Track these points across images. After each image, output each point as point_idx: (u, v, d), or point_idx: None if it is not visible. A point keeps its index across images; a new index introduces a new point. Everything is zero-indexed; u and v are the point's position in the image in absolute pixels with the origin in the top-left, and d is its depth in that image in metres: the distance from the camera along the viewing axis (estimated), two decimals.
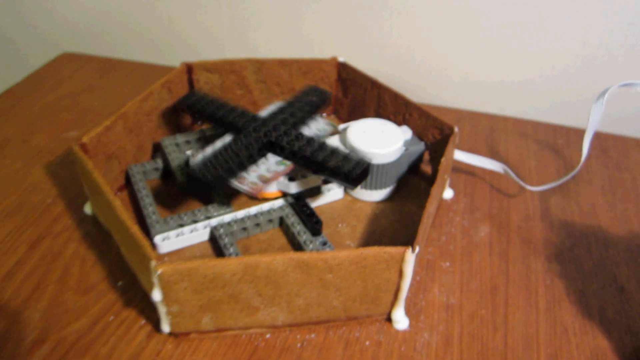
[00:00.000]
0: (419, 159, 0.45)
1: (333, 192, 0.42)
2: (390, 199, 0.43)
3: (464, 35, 0.55)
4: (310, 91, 0.42)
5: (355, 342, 0.33)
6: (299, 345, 0.32)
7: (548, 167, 0.48)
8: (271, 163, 0.38)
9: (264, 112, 0.42)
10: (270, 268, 0.29)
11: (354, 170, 0.35)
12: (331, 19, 0.58)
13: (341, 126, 0.44)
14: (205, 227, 0.38)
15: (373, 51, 0.59)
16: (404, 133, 0.43)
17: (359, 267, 0.30)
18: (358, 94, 0.49)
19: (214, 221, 0.39)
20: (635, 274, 0.38)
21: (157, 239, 0.37)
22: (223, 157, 0.37)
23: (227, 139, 0.40)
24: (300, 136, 0.38)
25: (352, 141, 0.41)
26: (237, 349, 0.32)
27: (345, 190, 0.43)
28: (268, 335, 0.33)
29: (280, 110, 0.41)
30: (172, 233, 0.38)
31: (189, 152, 0.42)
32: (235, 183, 0.36)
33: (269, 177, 0.37)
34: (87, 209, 0.41)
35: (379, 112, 0.48)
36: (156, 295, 0.30)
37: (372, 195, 0.42)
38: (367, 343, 0.33)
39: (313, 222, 0.38)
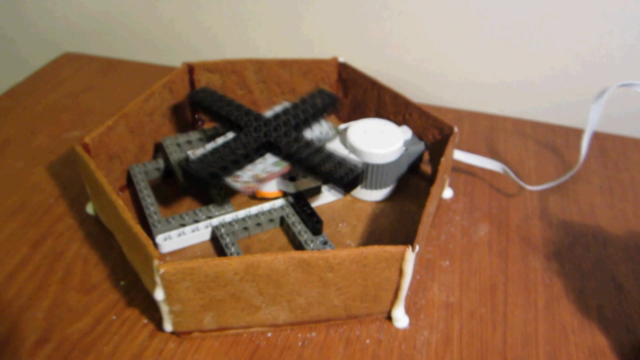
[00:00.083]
0: (419, 158, 0.45)
1: (333, 192, 0.43)
2: (390, 198, 0.43)
3: (464, 36, 0.55)
4: (318, 94, 0.42)
5: (355, 340, 0.33)
6: (300, 343, 0.33)
7: (547, 167, 0.48)
8: (268, 163, 0.38)
9: (269, 113, 0.42)
10: (271, 267, 0.30)
11: (346, 176, 0.35)
12: (331, 19, 0.58)
13: (341, 126, 0.44)
14: (206, 227, 0.38)
15: (373, 52, 0.59)
16: (404, 133, 0.44)
17: (360, 266, 0.31)
18: (358, 94, 0.50)
19: (215, 221, 0.39)
20: (634, 272, 0.38)
21: (159, 238, 0.37)
22: (220, 155, 0.37)
23: (229, 136, 0.40)
24: (299, 138, 0.38)
25: (353, 141, 0.41)
26: (239, 348, 0.32)
27: None
28: (269, 334, 0.33)
29: (285, 111, 0.41)
30: (174, 233, 0.38)
31: (190, 152, 0.43)
32: (229, 181, 0.37)
33: (263, 177, 0.37)
34: (89, 209, 0.42)
35: (379, 112, 0.48)
36: (159, 294, 0.30)
37: (372, 194, 0.43)
38: (368, 341, 0.33)
39: (314, 222, 0.38)
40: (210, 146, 0.39)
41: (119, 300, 0.35)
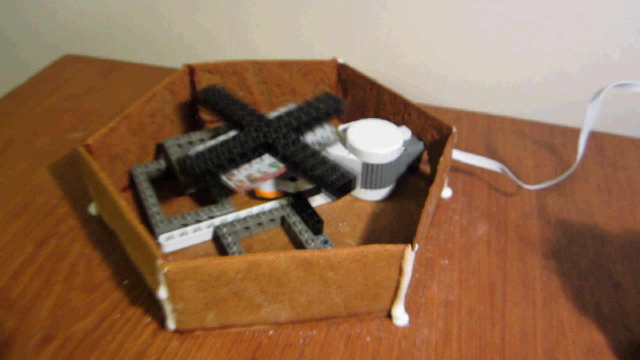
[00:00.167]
0: (418, 158, 0.45)
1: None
2: (389, 198, 0.44)
3: (462, 37, 0.55)
4: (324, 98, 0.43)
5: (356, 338, 0.33)
6: (301, 341, 0.33)
7: (545, 166, 0.49)
8: (264, 164, 0.39)
9: (274, 114, 0.43)
10: (273, 266, 0.30)
11: (337, 181, 0.36)
12: (331, 20, 0.59)
13: (341, 127, 0.45)
14: (208, 227, 0.39)
15: (372, 52, 0.60)
16: (403, 133, 0.44)
17: (360, 264, 0.31)
18: (358, 95, 0.50)
19: (217, 221, 0.39)
20: (631, 270, 0.38)
21: (162, 238, 0.38)
22: (217, 152, 0.37)
23: (230, 135, 0.41)
24: (296, 141, 0.38)
25: (352, 141, 0.41)
26: (241, 346, 0.33)
27: None
28: (271, 332, 0.34)
29: (288, 113, 0.41)
30: (176, 232, 0.38)
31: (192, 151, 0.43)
32: (224, 178, 0.37)
33: (257, 177, 0.38)
34: (92, 209, 0.42)
35: (379, 113, 0.48)
36: (162, 293, 0.30)
37: (372, 194, 0.43)
38: (368, 339, 0.33)
39: (314, 221, 0.39)
40: (210, 143, 0.39)
41: (122, 299, 0.35)
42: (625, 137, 0.53)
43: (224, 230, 0.38)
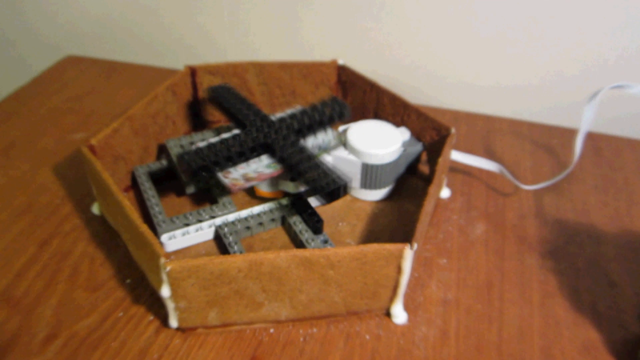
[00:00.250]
0: (417, 159, 0.46)
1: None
2: (389, 198, 0.44)
3: (461, 39, 0.56)
4: (329, 102, 0.43)
5: (355, 336, 0.34)
6: (301, 339, 0.34)
7: (543, 166, 0.49)
8: (262, 164, 0.39)
9: (279, 115, 0.43)
10: (274, 265, 0.31)
11: (327, 186, 0.36)
12: (331, 22, 0.59)
13: (341, 127, 0.45)
14: (210, 226, 0.39)
15: (372, 54, 0.60)
16: (402, 134, 0.45)
17: (359, 263, 0.32)
18: (357, 96, 0.51)
19: (218, 220, 0.40)
20: (626, 269, 0.39)
21: (164, 237, 0.38)
22: (216, 149, 0.38)
23: (232, 133, 0.41)
24: (295, 143, 0.39)
25: (352, 142, 0.42)
26: (242, 343, 0.33)
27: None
28: (272, 330, 0.34)
29: (291, 115, 0.42)
30: (178, 232, 0.39)
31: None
32: (220, 176, 0.38)
33: (253, 177, 0.38)
34: (95, 209, 0.43)
35: (378, 114, 0.49)
36: (165, 291, 0.31)
37: (371, 194, 0.44)
38: (367, 337, 0.34)
39: (314, 221, 0.39)
40: (211, 140, 0.40)
41: (125, 298, 0.36)
42: (622, 138, 0.54)
43: (226, 229, 0.39)
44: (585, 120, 0.41)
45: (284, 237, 0.40)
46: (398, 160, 0.43)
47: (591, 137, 0.54)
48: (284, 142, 0.39)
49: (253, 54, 0.65)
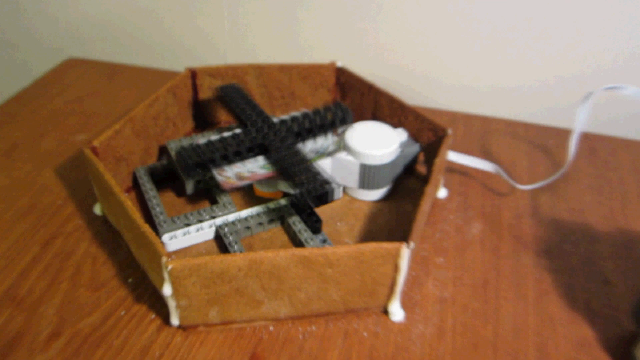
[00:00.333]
0: (414, 160, 0.46)
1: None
2: (386, 198, 0.45)
3: (458, 42, 0.57)
4: (333, 107, 0.43)
5: (353, 333, 0.34)
6: (300, 336, 0.34)
7: (539, 167, 0.50)
8: (257, 165, 0.40)
9: (283, 117, 0.43)
10: (273, 263, 0.31)
11: (313, 190, 0.36)
12: (329, 24, 0.60)
13: (340, 128, 0.46)
14: (210, 226, 0.40)
15: (370, 56, 0.61)
16: (400, 135, 0.45)
17: (357, 262, 0.32)
18: (356, 98, 0.51)
19: (218, 220, 0.40)
20: (620, 268, 0.40)
21: (165, 237, 0.39)
22: (213, 147, 0.39)
23: (234, 132, 0.42)
24: (290, 146, 0.39)
25: (350, 143, 0.42)
26: (243, 341, 0.34)
27: (344, 190, 0.45)
28: (271, 328, 0.35)
29: (293, 118, 0.42)
30: (179, 232, 0.39)
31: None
32: (214, 173, 0.39)
33: (246, 177, 0.39)
34: (97, 209, 0.43)
35: (376, 115, 0.49)
36: (167, 289, 0.31)
37: (369, 194, 0.44)
38: (365, 334, 0.34)
39: (313, 221, 0.40)
40: (212, 138, 0.41)
41: (127, 297, 0.37)
42: (617, 138, 0.54)
43: (226, 229, 0.40)
44: (579, 121, 0.41)
45: (283, 237, 0.41)
46: (395, 161, 0.43)
47: (587, 137, 0.54)
48: (280, 144, 0.39)
49: (252, 57, 0.65)
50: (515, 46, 0.55)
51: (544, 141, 0.54)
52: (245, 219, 0.41)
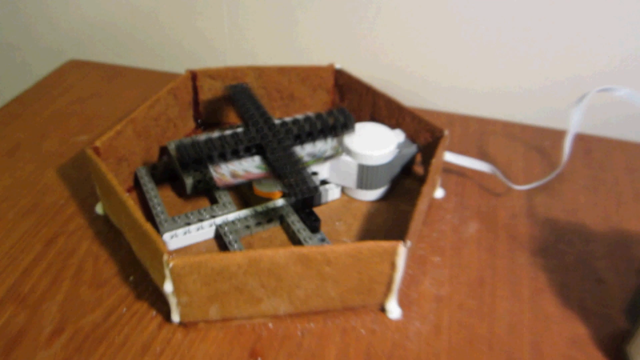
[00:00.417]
0: (412, 160, 0.47)
1: (331, 192, 0.45)
2: (384, 198, 0.46)
3: (456, 45, 0.57)
4: (336, 112, 0.43)
5: (351, 330, 0.35)
6: (299, 333, 0.35)
7: (534, 167, 0.51)
8: (252, 164, 0.40)
9: (286, 119, 0.44)
10: (273, 261, 0.32)
11: (300, 193, 0.37)
12: (328, 27, 0.61)
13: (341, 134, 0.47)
14: (210, 226, 0.41)
15: (368, 59, 0.61)
16: (397, 136, 0.46)
17: (355, 260, 0.33)
18: (354, 99, 0.52)
19: (218, 220, 0.41)
20: (614, 267, 0.40)
21: (166, 236, 0.40)
22: (212, 144, 0.39)
23: (234, 131, 0.43)
24: (286, 148, 0.40)
25: (348, 144, 0.43)
26: (242, 337, 0.34)
27: (342, 190, 0.46)
28: (270, 325, 0.35)
29: (294, 121, 0.42)
30: (180, 231, 0.40)
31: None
32: (211, 168, 0.39)
33: (240, 175, 0.39)
34: (99, 209, 0.44)
35: (374, 116, 0.50)
36: (168, 287, 0.32)
37: (367, 194, 0.45)
38: (363, 331, 0.35)
39: (312, 220, 0.40)
40: (212, 135, 0.41)
41: (128, 294, 0.37)
42: (612, 140, 0.55)
43: (226, 228, 0.40)
44: (574, 122, 0.42)
45: (282, 236, 0.42)
46: (393, 161, 0.44)
47: (582, 138, 0.55)
48: (278, 145, 0.40)
49: (252, 59, 0.66)
50: (512, 49, 0.56)
51: (539, 142, 0.54)
52: (245, 218, 0.41)
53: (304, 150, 0.42)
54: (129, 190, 0.45)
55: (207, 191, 0.46)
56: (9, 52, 0.77)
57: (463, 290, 0.38)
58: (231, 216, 0.41)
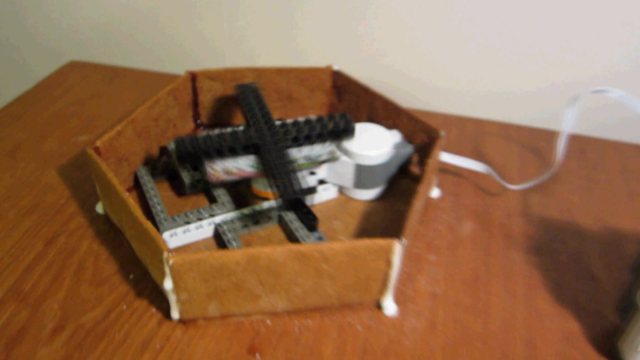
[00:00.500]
0: (408, 160, 0.48)
1: (328, 192, 0.46)
2: (381, 198, 0.46)
3: (453, 47, 0.58)
4: (338, 117, 0.43)
5: (348, 327, 0.36)
6: (297, 330, 0.35)
7: (529, 168, 0.51)
8: (246, 162, 0.41)
9: (288, 120, 0.44)
10: (271, 258, 0.32)
11: (285, 195, 0.37)
12: (326, 29, 0.61)
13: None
14: (209, 224, 0.41)
15: (366, 60, 0.62)
16: (394, 136, 0.47)
17: (351, 257, 0.33)
18: (352, 100, 0.53)
19: (217, 219, 0.42)
20: (607, 265, 0.41)
21: (166, 235, 0.40)
22: (210, 141, 0.40)
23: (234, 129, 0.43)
24: (281, 149, 0.40)
25: (346, 144, 0.44)
26: (241, 334, 0.35)
27: (339, 190, 0.47)
28: (268, 321, 0.36)
29: (294, 123, 0.43)
30: (179, 230, 0.41)
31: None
32: (206, 164, 0.40)
33: (233, 172, 0.40)
34: (99, 208, 0.44)
35: (371, 117, 0.51)
36: (167, 284, 0.33)
37: (364, 194, 0.46)
38: (359, 328, 0.36)
39: (310, 219, 0.41)
40: (212, 133, 0.42)
41: (128, 292, 0.38)
42: (606, 140, 0.56)
43: (225, 227, 0.41)
44: (567, 122, 0.43)
45: (280, 235, 0.42)
46: (389, 161, 0.45)
47: (577, 139, 0.56)
48: (274, 146, 0.41)
49: (251, 60, 0.67)
50: (508, 51, 0.57)
51: (535, 143, 0.55)
52: (244, 217, 0.42)
53: (300, 153, 0.42)
54: (129, 190, 0.46)
55: (206, 191, 0.46)
56: (10, 54, 0.78)
57: (458, 288, 0.39)
58: (230, 215, 0.42)
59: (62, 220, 0.44)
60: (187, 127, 0.52)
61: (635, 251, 0.42)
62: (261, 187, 0.44)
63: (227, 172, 0.40)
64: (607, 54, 0.54)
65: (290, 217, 0.42)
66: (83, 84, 0.64)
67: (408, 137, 0.47)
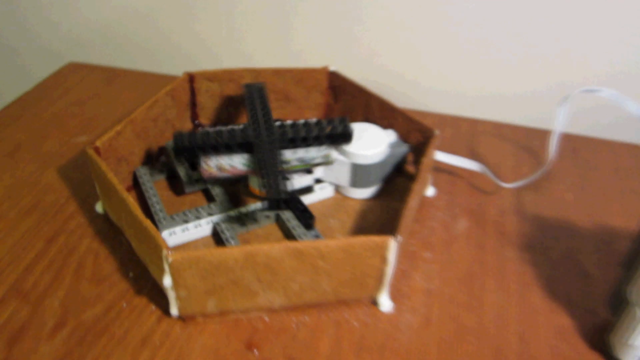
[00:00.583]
0: (404, 160, 0.48)
1: (324, 191, 0.46)
2: (377, 196, 0.47)
3: (448, 48, 0.59)
4: (336, 121, 0.43)
5: (344, 323, 0.36)
6: (294, 326, 0.36)
7: (523, 166, 0.52)
8: (240, 160, 0.41)
9: (288, 122, 0.45)
10: (268, 255, 0.33)
11: (269, 194, 0.38)
12: (322, 30, 0.62)
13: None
14: (208, 223, 0.42)
15: (362, 61, 0.63)
16: (389, 136, 0.47)
17: (347, 254, 0.34)
18: (347, 101, 0.53)
19: (215, 217, 0.42)
20: (599, 261, 0.42)
21: (165, 234, 0.41)
22: (207, 137, 0.40)
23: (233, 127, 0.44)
24: (274, 149, 0.41)
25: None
26: (239, 330, 0.36)
27: (336, 188, 0.47)
28: (266, 318, 0.36)
29: (292, 125, 0.43)
30: (178, 228, 0.41)
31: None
32: (201, 159, 0.41)
33: (226, 169, 0.41)
34: (99, 207, 0.45)
35: (367, 117, 0.51)
36: (167, 281, 0.33)
37: (360, 193, 0.46)
38: (356, 324, 0.36)
39: (306, 217, 0.42)
40: (210, 129, 0.42)
41: (128, 290, 0.38)
42: (598, 140, 0.57)
43: (223, 226, 0.41)
44: (558, 121, 0.43)
45: (277, 233, 0.43)
46: (385, 160, 0.45)
47: (570, 138, 0.56)
48: (269, 146, 0.41)
49: (248, 61, 0.67)
50: (503, 52, 0.58)
51: (528, 142, 0.56)
52: (241, 215, 0.42)
53: (294, 155, 0.43)
54: (128, 190, 0.47)
55: (205, 190, 0.47)
56: (9, 55, 0.78)
57: (453, 285, 0.39)
58: (228, 214, 0.43)
59: (62, 219, 0.44)
60: (185, 127, 0.53)
61: (627, 248, 0.43)
62: (258, 186, 0.45)
63: (220, 169, 0.40)
64: (601, 55, 0.55)
65: (288, 215, 0.43)
66: (82, 85, 0.64)
67: (403, 137, 0.48)
